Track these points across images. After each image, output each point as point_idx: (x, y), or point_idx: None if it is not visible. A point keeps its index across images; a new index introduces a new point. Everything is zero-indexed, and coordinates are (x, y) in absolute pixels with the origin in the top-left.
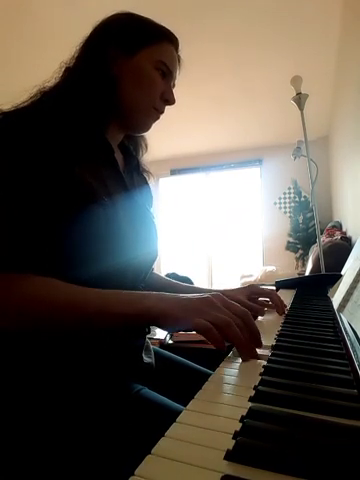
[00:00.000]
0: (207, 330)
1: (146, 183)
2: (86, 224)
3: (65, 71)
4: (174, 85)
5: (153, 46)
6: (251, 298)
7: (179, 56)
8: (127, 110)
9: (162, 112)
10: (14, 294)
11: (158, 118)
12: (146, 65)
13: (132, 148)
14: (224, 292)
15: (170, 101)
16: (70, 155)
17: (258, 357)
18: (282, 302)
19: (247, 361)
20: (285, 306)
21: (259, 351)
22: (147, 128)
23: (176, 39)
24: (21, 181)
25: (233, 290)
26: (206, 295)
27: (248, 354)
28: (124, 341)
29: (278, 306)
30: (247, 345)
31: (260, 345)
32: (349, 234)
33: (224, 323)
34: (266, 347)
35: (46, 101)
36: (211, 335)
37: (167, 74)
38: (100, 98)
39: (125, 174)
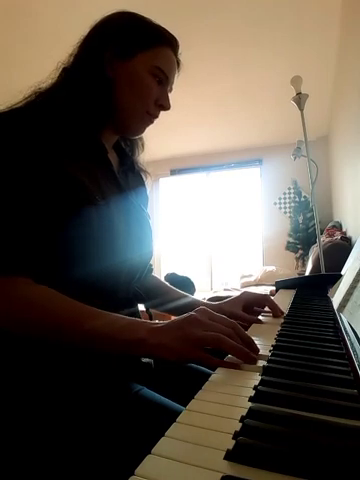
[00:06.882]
0: (204, 359)
1: (142, 183)
2: (80, 224)
3: (62, 71)
4: (171, 89)
5: (150, 51)
6: (246, 307)
7: (178, 59)
8: (121, 114)
9: (156, 117)
10: (15, 298)
11: (152, 122)
12: (141, 70)
13: (128, 148)
14: (220, 306)
15: (165, 107)
16: (62, 154)
17: (256, 361)
18: (277, 306)
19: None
20: (282, 313)
21: (259, 351)
22: (140, 132)
23: (175, 43)
24: (14, 181)
25: (227, 302)
26: (190, 314)
27: (245, 360)
28: None
29: (274, 310)
30: (241, 351)
31: (256, 351)
32: (349, 234)
33: (214, 340)
34: (265, 348)
35: (40, 102)
36: (209, 362)
37: (163, 80)
38: (94, 100)
39: (120, 174)
